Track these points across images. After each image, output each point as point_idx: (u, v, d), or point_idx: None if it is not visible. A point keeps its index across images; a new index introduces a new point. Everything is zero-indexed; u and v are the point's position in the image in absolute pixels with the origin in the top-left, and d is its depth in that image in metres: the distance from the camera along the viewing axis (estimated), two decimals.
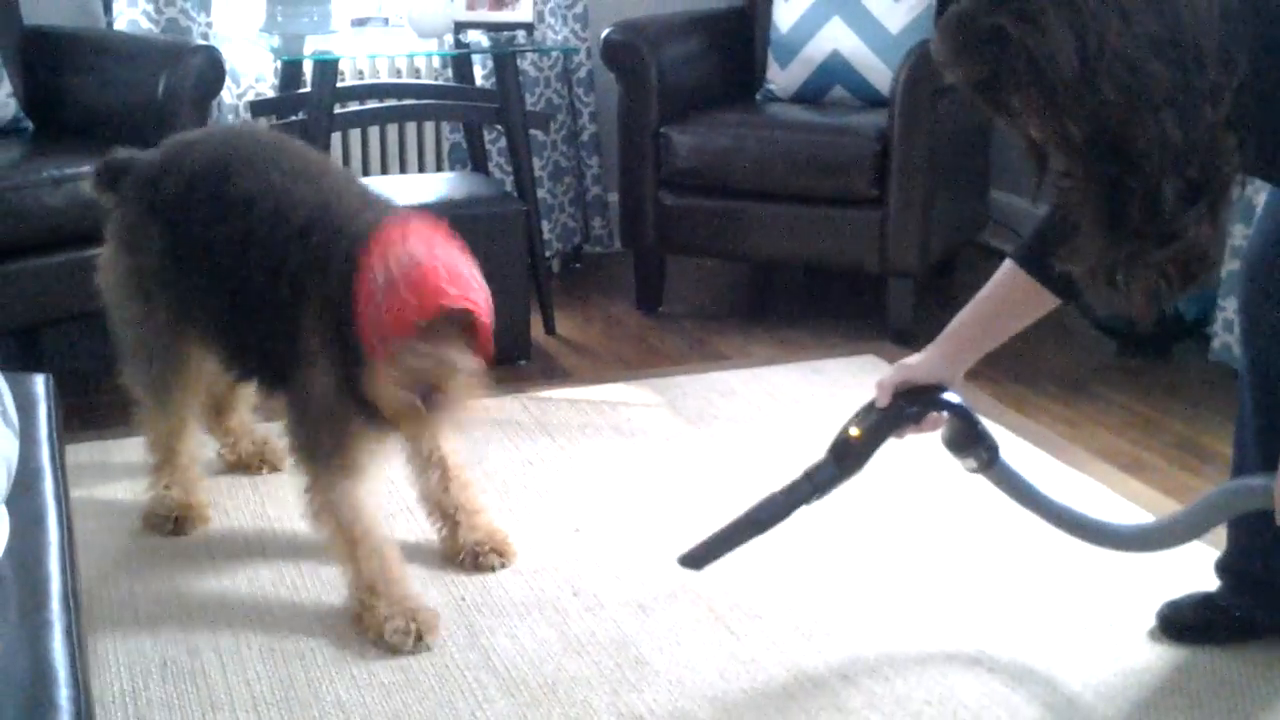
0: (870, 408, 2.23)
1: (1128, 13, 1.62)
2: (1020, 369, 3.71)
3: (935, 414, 2.22)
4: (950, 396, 2.23)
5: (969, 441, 2.26)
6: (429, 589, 2.61)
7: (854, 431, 2.21)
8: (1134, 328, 3.78)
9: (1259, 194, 3.19)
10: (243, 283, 2.53)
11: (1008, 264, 2.17)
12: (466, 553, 2.71)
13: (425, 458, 2.71)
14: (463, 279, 2.34)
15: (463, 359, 2.33)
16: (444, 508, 2.73)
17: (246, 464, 3.08)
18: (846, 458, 2.22)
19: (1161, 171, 1.67)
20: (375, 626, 2.44)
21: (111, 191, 2.77)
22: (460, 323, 2.33)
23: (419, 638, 2.42)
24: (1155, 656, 2.40)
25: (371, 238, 2.35)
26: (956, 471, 2.83)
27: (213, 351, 2.71)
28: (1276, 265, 2.17)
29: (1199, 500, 2.18)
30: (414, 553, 2.72)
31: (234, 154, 2.64)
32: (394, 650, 2.41)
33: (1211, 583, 2.46)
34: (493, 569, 2.70)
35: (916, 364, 2.22)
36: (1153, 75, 1.63)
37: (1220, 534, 2.46)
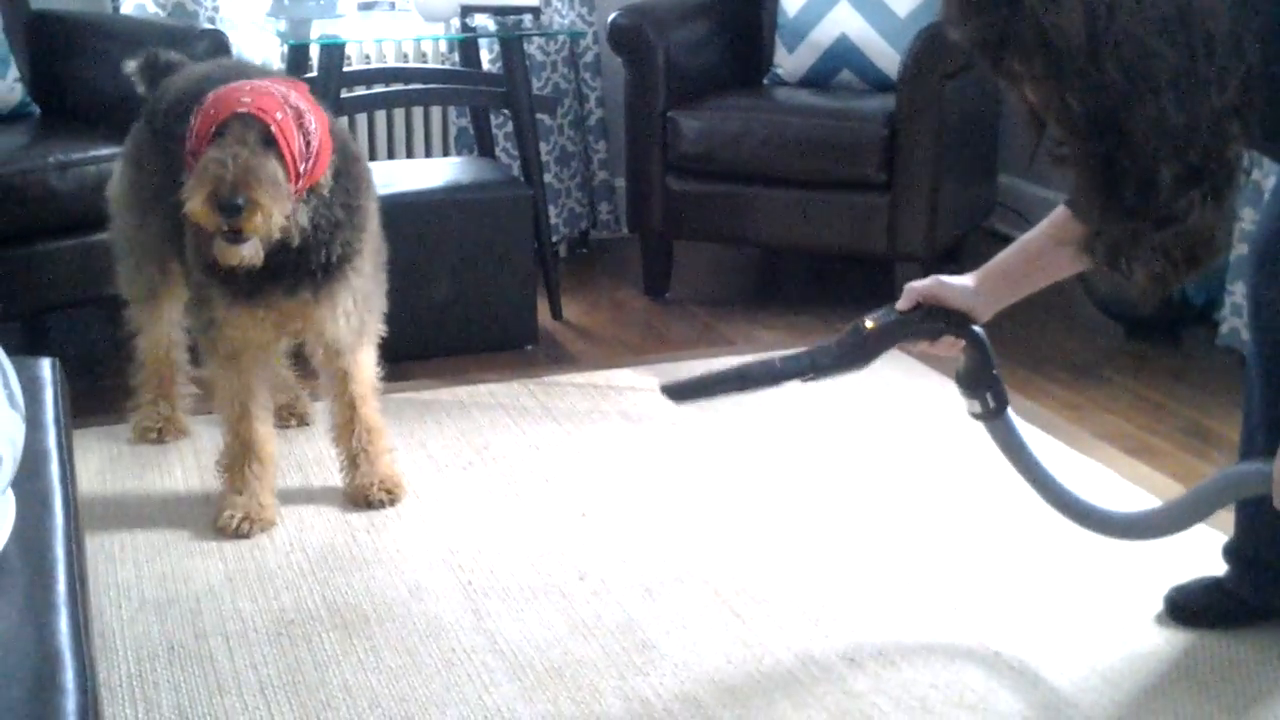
0: (891, 308, 2.19)
1: None
2: (1028, 353, 3.70)
3: (951, 339, 2.18)
4: (977, 330, 2.18)
5: (981, 383, 2.20)
6: (435, 572, 2.61)
7: (869, 324, 2.17)
8: (1141, 312, 3.77)
9: (1268, 178, 3.19)
10: None
11: (1059, 210, 2.13)
12: (360, 493, 2.85)
13: (343, 402, 2.85)
14: (268, 96, 2.48)
15: (256, 159, 2.43)
16: (350, 451, 2.87)
17: (277, 415, 3.11)
18: (854, 348, 2.18)
19: (1159, 154, 1.66)
20: (219, 509, 2.76)
21: (147, 88, 2.99)
22: (259, 131, 2.44)
23: (249, 526, 2.72)
24: (1163, 641, 2.40)
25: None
26: (965, 456, 2.83)
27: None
28: None
29: (1194, 488, 2.16)
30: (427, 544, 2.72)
31: (214, 79, 2.76)
32: (220, 530, 2.72)
33: (1219, 567, 2.46)
34: (381, 505, 2.85)
35: (952, 284, 2.18)
36: (1159, 56, 1.61)
37: (1227, 518, 2.45)
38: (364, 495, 2.85)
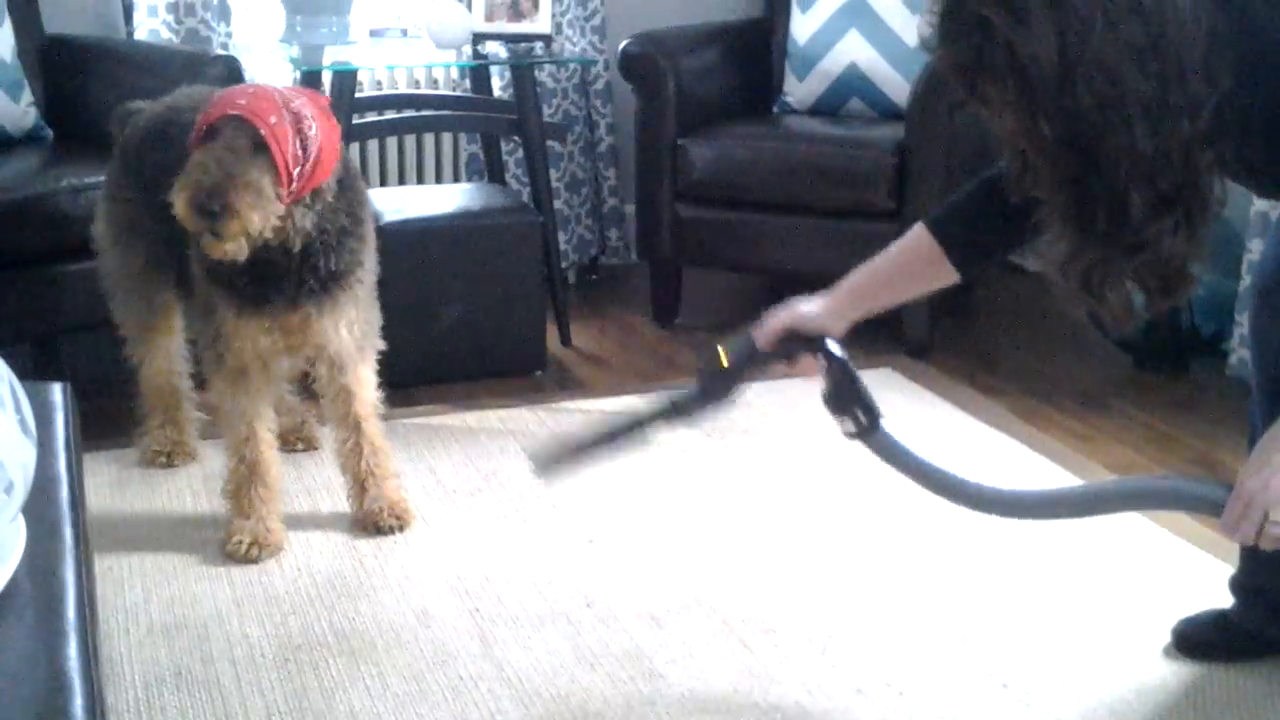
0: (744, 336, 2.19)
1: (1113, 19, 1.61)
2: (1035, 382, 3.70)
3: (811, 359, 2.18)
4: (832, 346, 2.16)
5: (847, 400, 2.17)
6: (443, 598, 2.61)
7: (723, 358, 2.17)
8: (1151, 342, 3.77)
9: (1276, 208, 3.19)
10: (169, 220, 2.61)
11: (917, 226, 2.16)
12: (370, 519, 2.84)
13: (347, 424, 2.85)
14: (265, 99, 2.47)
15: (239, 164, 2.44)
16: (357, 474, 2.86)
17: (283, 439, 3.12)
18: (714, 385, 2.18)
19: (1130, 180, 1.67)
20: (227, 534, 2.76)
21: (120, 131, 3.03)
22: (249, 134, 2.44)
23: (258, 551, 2.73)
24: (1170, 673, 2.39)
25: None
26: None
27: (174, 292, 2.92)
28: None
29: (1130, 479, 2.10)
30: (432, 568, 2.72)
31: (182, 109, 2.83)
32: (228, 556, 2.72)
33: (1226, 599, 2.45)
34: (391, 531, 2.85)
35: (805, 311, 2.19)
36: (1130, 84, 1.63)
37: (1233, 550, 2.45)
38: (374, 521, 2.85)
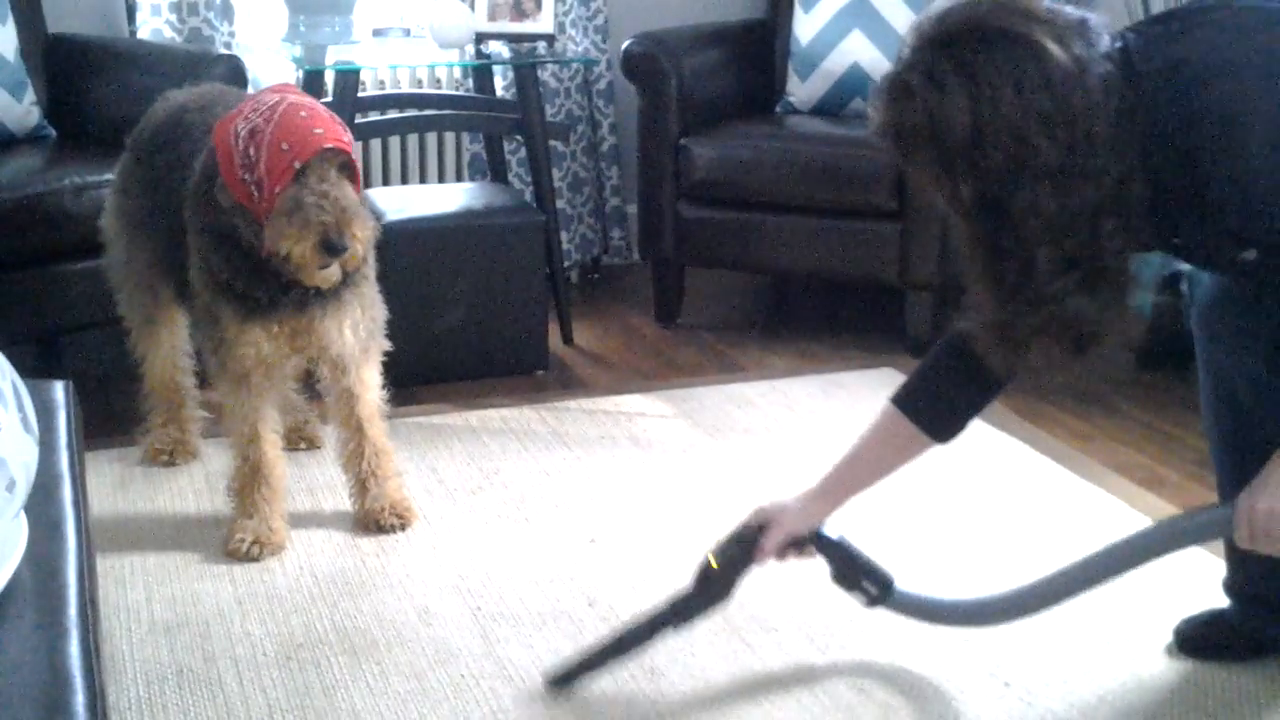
0: (732, 540, 2.27)
1: (1022, 89, 1.73)
2: (1038, 383, 3.69)
3: (805, 549, 2.28)
4: (826, 533, 2.27)
5: (852, 577, 2.28)
6: (445, 597, 2.62)
7: (713, 563, 2.26)
8: (1152, 342, 3.77)
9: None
10: (173, 219, 2.73)
11: (887, 407, 2.23)
12: (371, 517, 2.85)
13: (350, 426, 2.85)
14: (325, 118, 2.52)
15: (348, 194, 2.51)
16: (359, 474, 2.87)
17: (286, 438, 3.13)
18: (710, 589, 2.28)
19: (1037, 238, 1.80)
20: (230, 532, 2.76)
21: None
22: (336, 160, 2.50)
23: (260, 549, 2.73)
24: (1172, 673, 2.39)
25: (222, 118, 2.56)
26: (973, 487, 2.83)
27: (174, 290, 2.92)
28: (1226, 313, 2.26)
29: (1127, 540, 2.14)
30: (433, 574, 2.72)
31: (191, 108, 2.86)
32: (230, 554, 2.73)
33: (1224, 599, 2.45)
34: (392, 530, 2.85)
35: (793, 515, 2.26)
36: (1037, 149, 1.75)
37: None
38: (375, 520, 2.85)
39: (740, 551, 2.26)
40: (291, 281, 2.59)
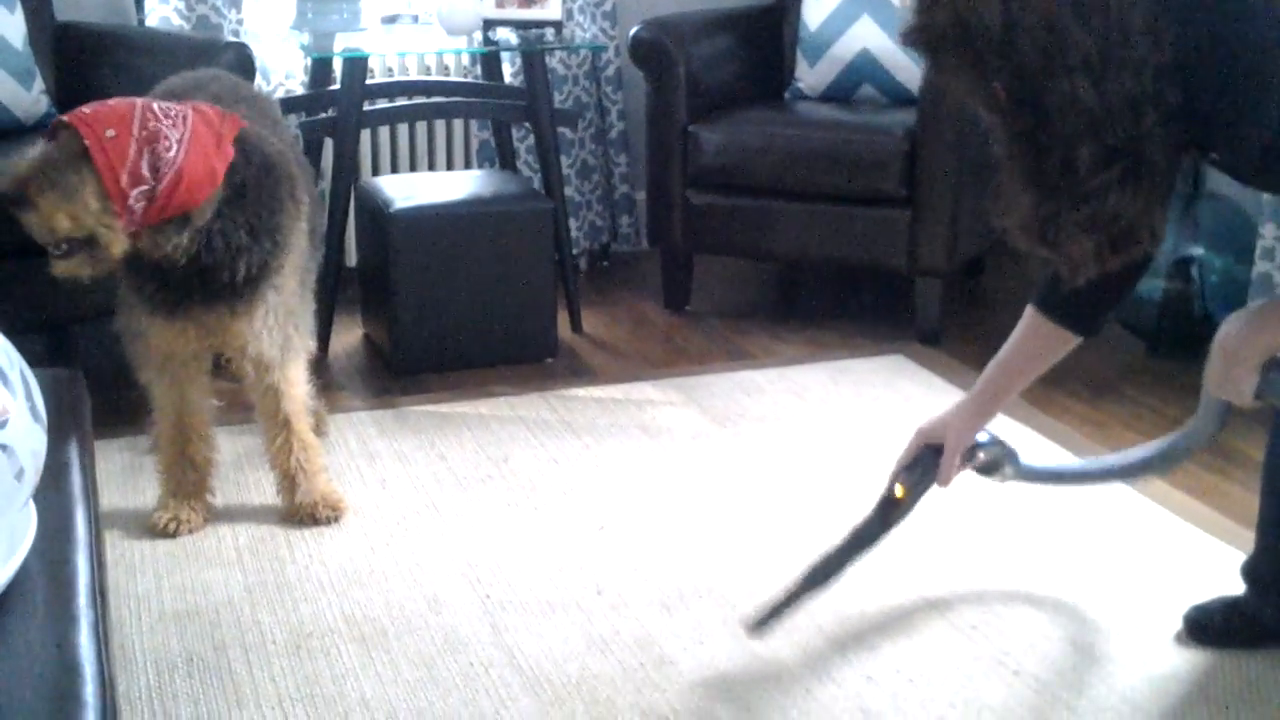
0: (914, 464, 2.36)
1: None
2: (1049, 369, 3.68)
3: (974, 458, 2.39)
4: (981, 438, 2.37)
5: (1001, 464, 2.41)
6: (454, 585, 2.62)
7: (899, 491, 2.35)
8: (1163, 328, 3.76)
9: None
10: None
11: (1030, 311, 2.26)
12: (304, 510, 2.85)
13: (276, 422, 2.85)
14: (114, 112, 2.53)
15: (55, 166, 2.48)
16: (286, 469, 2.87)
17: None
18: (892, 512, 2.36)
19: (1077, 132, 1.76)
20: (154, 510, 2.83)
21: None
22: (79, 145, 2.47)
23: (176, 526, 2.79)
24: (1182, 661, 2.39)
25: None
26: (983, 478, 2.82)
27: None
28: None
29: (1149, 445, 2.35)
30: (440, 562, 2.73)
31: (176, 92, 2.85)
32: (150, 529, 2.79)
33: (1238, 586, 2.44)
34: (327, 522, 2.85)
35: (958, 426, 2.33)
36: (1071, 39, 1.72)
37: (1248, 537, 2.44)
38: (310, 513, 2.86)
39: (923, 475, 2.35)
40: (181, 285, 2.63)
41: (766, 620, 2.38)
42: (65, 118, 2.49)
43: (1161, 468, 2.45)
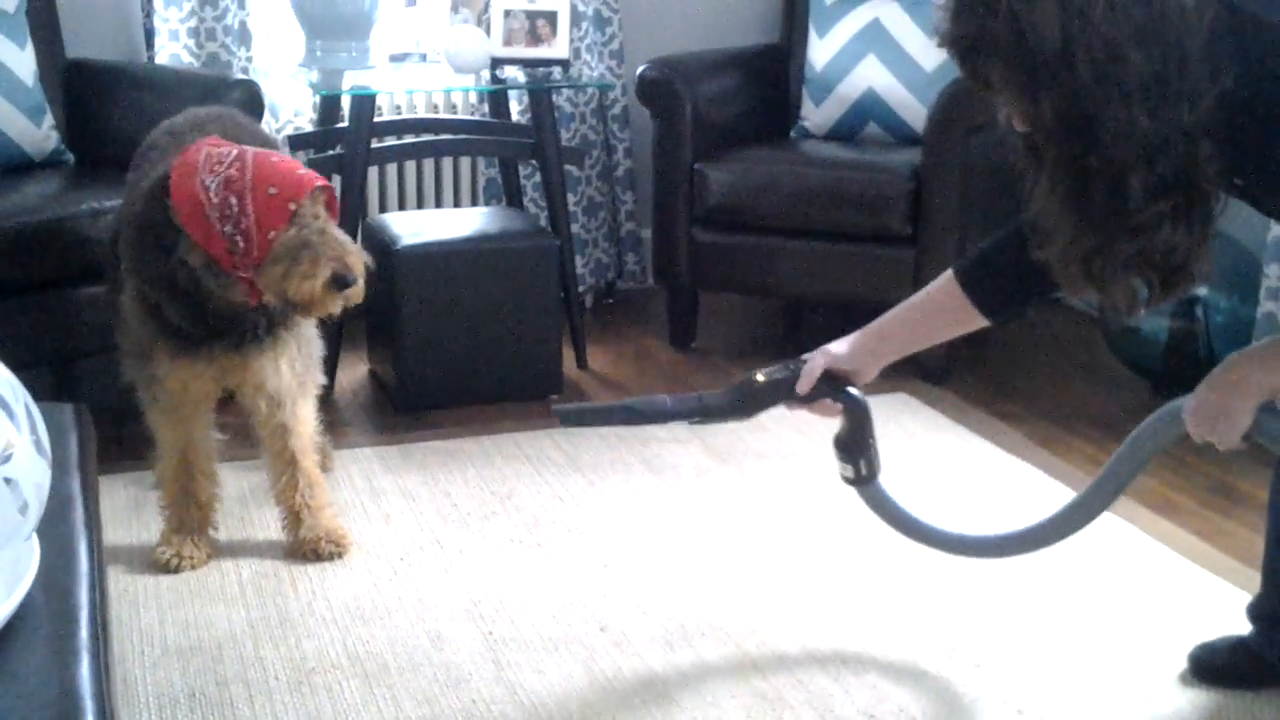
0: (785, 365, 2.27)
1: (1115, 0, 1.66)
2: (1053, 408, 3.69)
3: (830, 402, 2.27)
4: (855, 393, 2.27)
5: (856, 448, 2.32)
6: (457, 621, 2.61)
7: (759, 378, 2.26)
8: (1168, 368, 3.76)
9: None
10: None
11: (947, 274, 2.22)
12: (308, 545, 2.85)
13: (283, 458, 2.86)
14: (294, 159, 2.61)
15: (339, 230, 2.57)
16: (291, 504, 2.87)
17: None
18: (741, 399, 2.27)
19: (1129, 159, 1.70)
20: (157, 545, 2.82)
21: None
22: (322, 198, 2.55)
23: (178, 562, 2.79)
24: (1186, 700, 2.38)
25: (171, 169, 2.58)
26: (989, 513, 2.82)
27: None
28: None
29: (1087, 489, 2.27)
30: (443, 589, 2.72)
31: (179, 129, 2.90)
32: (153, 564, 2.80)
33: (1243, 626, 2.44)
34: (331, 557, 2.86)
35: (836, 353, 2.26)
36: (1130, 63, 1.66)
37: (1252, 578, 2.44)
38: (314, 549, 2.86)
39: (784, 377, 2.25)
40: (228, 319, 2.64)
41: (571, 417, 2.30)
42: (319, 183, 2.53)
43: (1015, 550, 2.38)
